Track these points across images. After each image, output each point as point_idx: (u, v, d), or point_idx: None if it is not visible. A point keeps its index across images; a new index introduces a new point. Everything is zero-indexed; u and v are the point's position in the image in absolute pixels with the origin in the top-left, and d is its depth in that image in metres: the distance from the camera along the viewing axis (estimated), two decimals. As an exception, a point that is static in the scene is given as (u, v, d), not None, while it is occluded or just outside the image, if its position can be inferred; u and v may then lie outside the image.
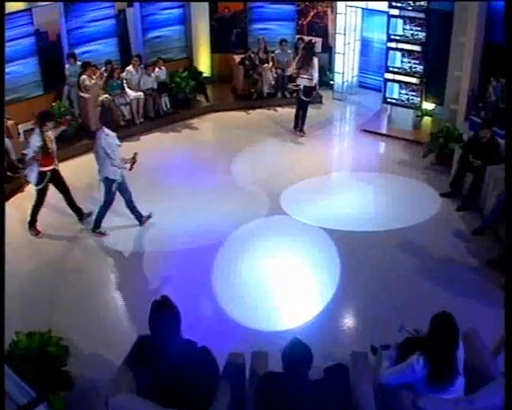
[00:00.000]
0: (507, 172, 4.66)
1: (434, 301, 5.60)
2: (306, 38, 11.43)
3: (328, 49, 11.81)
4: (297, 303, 5.77)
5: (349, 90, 11.40)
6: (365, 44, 11.62)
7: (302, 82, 9.35)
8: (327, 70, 11.78)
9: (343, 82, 11.21)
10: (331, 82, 11.57)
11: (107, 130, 6.49)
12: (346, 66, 11.17)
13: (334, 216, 7.21)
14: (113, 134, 6.54)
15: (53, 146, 6.77)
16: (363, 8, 10.91)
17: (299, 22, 11.96)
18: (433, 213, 7.39)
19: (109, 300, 5.86)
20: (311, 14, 12.03)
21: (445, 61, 9.55)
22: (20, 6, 9.08)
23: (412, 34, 9.27)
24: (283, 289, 5.95)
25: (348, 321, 5.54)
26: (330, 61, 11.84)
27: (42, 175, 6.73)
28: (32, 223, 6.95)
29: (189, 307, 5.46)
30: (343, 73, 11.15)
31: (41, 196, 6.86)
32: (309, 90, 9.44)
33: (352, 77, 11.47)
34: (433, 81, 9.80)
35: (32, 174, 6.72)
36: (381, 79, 11.21)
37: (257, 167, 8.68)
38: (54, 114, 7.69)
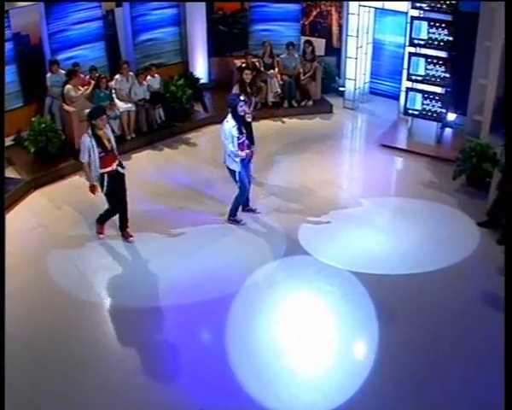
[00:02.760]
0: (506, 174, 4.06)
1: (489, 358, 4.86)
2: (313, 40, 10.45)
3: (333, 51, 10.84)
4: (329, 373, 4.79)
5: (360, 98, 10.42)
6: (377, 47, 10.63)
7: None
8: (335, 75, 10.84)
9: (355, 89, 10.21)
10: (340, 89, 10.60)
11: (230, 115, 6.34)
12: (358, 71, 10.16)
13: (362, 255, 6.23)
14: (233, 123, 6.29)
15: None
16: (376, 9, 9.91)
17: (301, 22, 10.95)
18: (472, 247, 6.46)
19: (101, 382, 4.69)
20: (314, 13, 11.06)
21: (469, 66, 8.66)
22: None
23: (438, 38, 8.30)
24: (312, 355, 4.97)
25: (395, 397, 4.56)
26: (338, 65, 10.90)
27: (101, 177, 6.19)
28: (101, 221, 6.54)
29: (195, 383, 4.54)
30: (355, 80, 10.14)
31: (112, 202, 6.30)
32: None
33: (364, 83, 10.49)
34: (455, 89, 8.88)
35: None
36: (394, 85, 10.41)
37: (267, 193, 7.59)
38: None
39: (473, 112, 8.84)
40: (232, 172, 6.51)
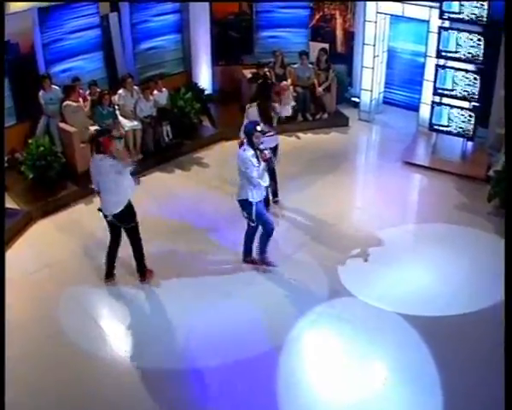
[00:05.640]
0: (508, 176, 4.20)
1: None
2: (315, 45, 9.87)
3: (339, 57, 10.25)
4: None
5: (375, 109, 9.87)
6: (390, 55, 10.07)
7: (269, 142, 6.40)
8: (347, 85, 10.26)
9: (371, 100, 9.64)
10: (353, 99, 10.03)
11: (246, 144, 5.64)
12: (375, 81, 9.59)
13: (408, 294, 5.68)
14: (251, 151, 5.57)
15: None
16: (392, 15, 9.34)
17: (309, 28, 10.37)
18: (521, 279, 5.97)
19: None
20: (317, 17, 10.48)
21: (492, 77, 8.18)
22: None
23: (467, 51, 7.80)
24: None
25: None
26: (350, 73, 10.32)
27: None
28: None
29: None
30: (371, 91, 9.57)
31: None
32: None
33: (379, 93, 9.93)
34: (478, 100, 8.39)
35: None
36: (409, 94, 9.91)
37: (294, 221, 6.88)
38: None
39: (495, 124, 8.38)
40: (247, 206, 5.70)
